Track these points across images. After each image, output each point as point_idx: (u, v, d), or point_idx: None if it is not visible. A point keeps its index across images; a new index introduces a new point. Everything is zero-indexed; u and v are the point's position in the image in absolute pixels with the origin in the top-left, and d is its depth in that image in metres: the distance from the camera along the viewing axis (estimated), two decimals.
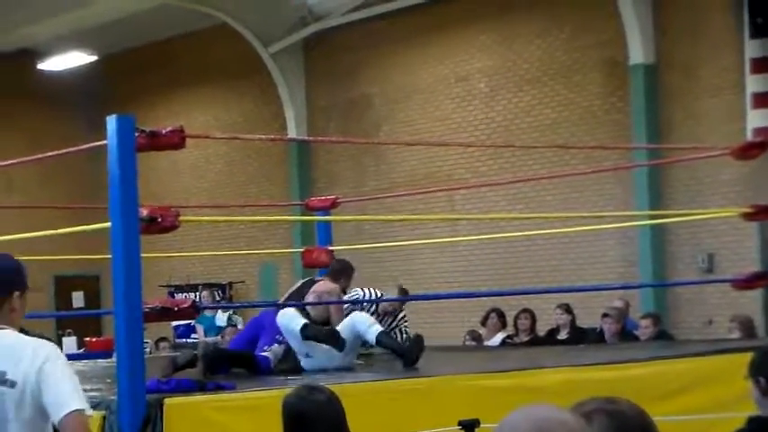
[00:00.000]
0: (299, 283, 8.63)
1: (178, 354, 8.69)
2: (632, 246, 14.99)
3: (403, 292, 9.12)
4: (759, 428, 4.66)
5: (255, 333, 8.20)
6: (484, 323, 12.52)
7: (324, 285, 8.34)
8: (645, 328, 11.60)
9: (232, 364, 7.77)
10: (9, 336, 4.04)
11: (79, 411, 3.85)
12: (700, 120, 14.39)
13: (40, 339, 4.19)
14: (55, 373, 3.91)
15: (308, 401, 3.99)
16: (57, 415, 3.84)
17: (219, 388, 6.51)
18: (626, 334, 11.42)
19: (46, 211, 16.62)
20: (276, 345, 7.99)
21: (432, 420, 6.04)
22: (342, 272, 8.64)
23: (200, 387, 6.46)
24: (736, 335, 10.48)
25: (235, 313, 15.40)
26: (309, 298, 8.14)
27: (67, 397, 3.87)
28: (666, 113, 14.76)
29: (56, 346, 4.14)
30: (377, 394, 6.37)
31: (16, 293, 4.13)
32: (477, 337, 12.29)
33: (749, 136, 12.91)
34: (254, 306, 18.85)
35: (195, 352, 8.18)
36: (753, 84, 13.54)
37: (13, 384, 3.92)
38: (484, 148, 16.25)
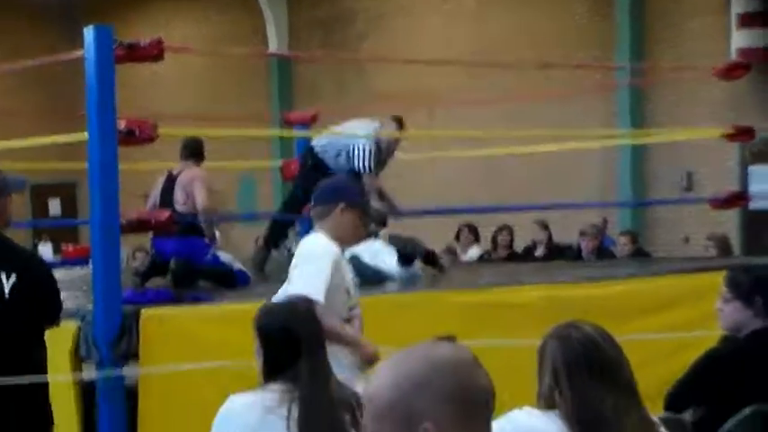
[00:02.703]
0: (161, 182, 8.03)
1: (137, 264, 8.57)
2: (612, 164, 15.00)
3: (398, 120, 8.75)
4: (732, 347, 4.71)
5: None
6: (457, 238, 12.57)
7: (187, 175, 7.84)
8: (623, 246, 11.66)
9: (205, 279, 7.64)
10: (311, 237, 4.77)
11: None
12: (684, 39, 14.31)
13: (312, 236, 4.83)
14: (297, 267, 4.62)
15: (287, 314, 3.87)
16: None
17: (197, 299, 6.50)
18: (603, 251, 11.47)
19: (24, 121, 16.46)
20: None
21: (407, 336, 6.00)
22: (198, 151, 8.08)
23: (177, 298, 6.45)
24: (712, 253, 10.54)
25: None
26: (178, 192, 7.72)
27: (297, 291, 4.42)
28: (651, 33, 14.67)
29: (317, 244, 4.73)
30: None
31: (341, 205, 4.73)
32: (452, 252, 12.33)
33: (733, 56, 12.86)
34: (232, 220, 18.84)
35: (151, 256, 8.09)
36: (738, 4, 13.44)
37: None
38: (467, 66, 16.14)
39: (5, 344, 4.25)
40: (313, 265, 4.66)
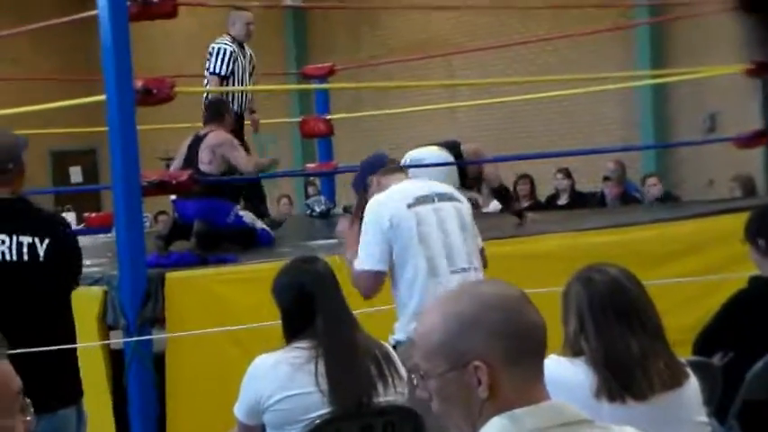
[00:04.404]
0: (186, 143, 7.91)
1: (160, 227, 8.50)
2: (633, 107, 14.85)
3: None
4: (761, 288, 4.66)
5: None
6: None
7: (215, 137, 7.65)
8: (651, 186, 11.59)
9: (229, 241, 7.58)
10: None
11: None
12: None
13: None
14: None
15: (296, 271, 3.86)
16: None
17: (222, 261, 6.48)
18: (627, 197, 11.40)
19: (40, 86, 16.43)
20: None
21: None
22: (221, 111, 7.96)
23: (201, 261, 6.43)
24: (737, 194, 10.46)
25: None
26: (203, 152, 7.57)
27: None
28: None
29: None
30: None
31: None
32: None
33: None
34: (251, 181, 18.73)
35: (173, 219, 8.07)
36: None
37: (461, 200, 4.81)
38: (482, 10, 15.96)
39: (43, 308, 4.33)
40: None
